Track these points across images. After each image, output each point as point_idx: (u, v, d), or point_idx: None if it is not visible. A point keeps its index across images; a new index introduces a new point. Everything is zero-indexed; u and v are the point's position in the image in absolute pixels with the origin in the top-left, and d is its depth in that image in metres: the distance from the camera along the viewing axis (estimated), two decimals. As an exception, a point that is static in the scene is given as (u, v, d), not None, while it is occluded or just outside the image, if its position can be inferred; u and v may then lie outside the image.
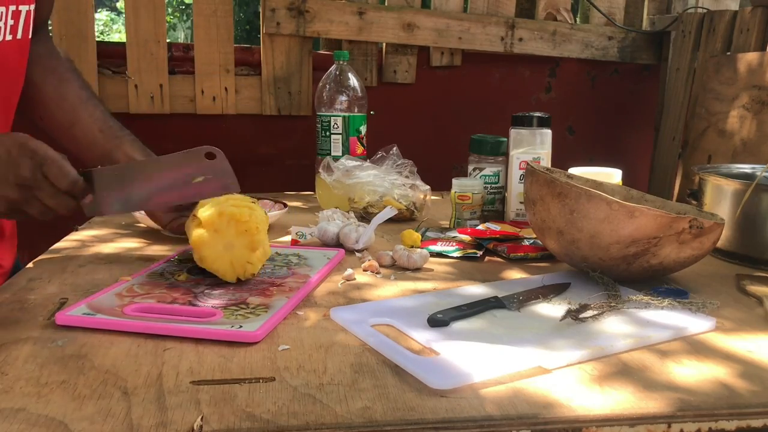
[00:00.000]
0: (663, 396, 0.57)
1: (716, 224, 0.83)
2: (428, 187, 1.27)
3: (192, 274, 0.86)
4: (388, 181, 1.24)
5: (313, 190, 1.42)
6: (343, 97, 1.47)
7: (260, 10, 1.77)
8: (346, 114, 1.47)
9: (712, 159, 1.62)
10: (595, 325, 0.72)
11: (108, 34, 11.52)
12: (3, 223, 1.04)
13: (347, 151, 1.47)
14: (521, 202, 1.18)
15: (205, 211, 0.83)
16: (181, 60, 1.76)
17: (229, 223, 0.82)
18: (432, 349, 0.65)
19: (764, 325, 0.75)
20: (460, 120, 1.95)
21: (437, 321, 0.71)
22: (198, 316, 0.71)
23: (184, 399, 0.55)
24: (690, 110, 1.81)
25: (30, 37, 0.96)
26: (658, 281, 0.88)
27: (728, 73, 1.63)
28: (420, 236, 1.05)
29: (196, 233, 0.82)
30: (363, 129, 1.50)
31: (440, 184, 1.40)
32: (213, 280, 0.83)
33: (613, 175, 1.15)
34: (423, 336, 0.68)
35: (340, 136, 1.47)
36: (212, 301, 0.76)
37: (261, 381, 0.59)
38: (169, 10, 11.10)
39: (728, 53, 1.71)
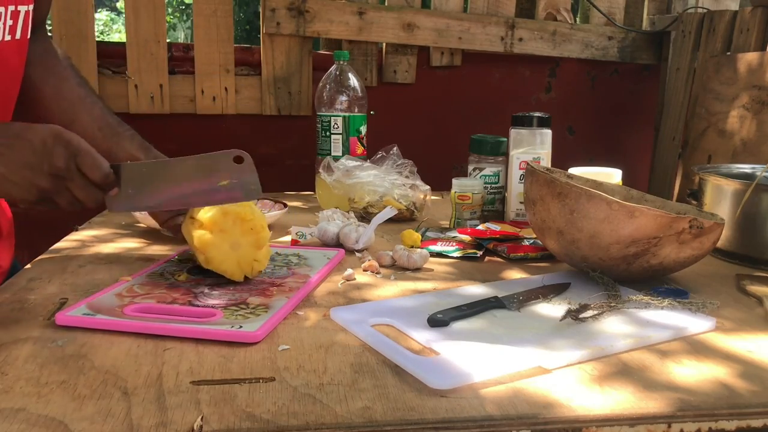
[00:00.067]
0: (663, 396, 0.57)
1: (716, 224, 0.83)
2: (428, 187, 1.27)
3: (192, 274, 0.86)
4: (388, 181, 1.24)
5: (313, 190, 1.42)
6: (343, 97, 1.48)
7: (260, 10, 1.77)
8: (346, 114, 1.47)
9: (712, 159, 1.62)
10: (595, 325, 0.72)
11: (108, 34, 11.52)
12: (0, 222, 1.04)
13: (347, 151, 1.47)
14: (521, 202, 1.18)
15: (206, 212, 0.83)
16: (181, 60, 1.76)
17: (235, 223, 0.82)
18: (432, 349, 0.65)
19: (764, 325, 0.75)
20: (460, 120, 1.95)
21: (437, 321, 0.71)
22: (198, 316, 0.71)
23: (184, 399, 0.55)
24: (690, 110, 1.81)
25: (28, 37, 0.96)
26: (658, 281, 0.88)
27: (728, 73, 1.63)
28: (420, 236, 1.05)
29: (199, 235, 0.81)
30: (363, 129, 1.50)
31: (440, 184, 1.40)
32: (213, 280, 0.84)
33: (613, 175, 1.15)
34: (423, 336, 0.68)
35: (340, 136, 1.47)
36: (212, 301, 0.76)
37: (261, 381, 0.59)
38: (169, 10, 11.10)
39: (728, 53, 1.71)
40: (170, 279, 0.85)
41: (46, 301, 0.78)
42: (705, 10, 1.85)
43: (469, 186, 1.20)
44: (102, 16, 11.68)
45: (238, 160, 0.82)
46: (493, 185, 1.26)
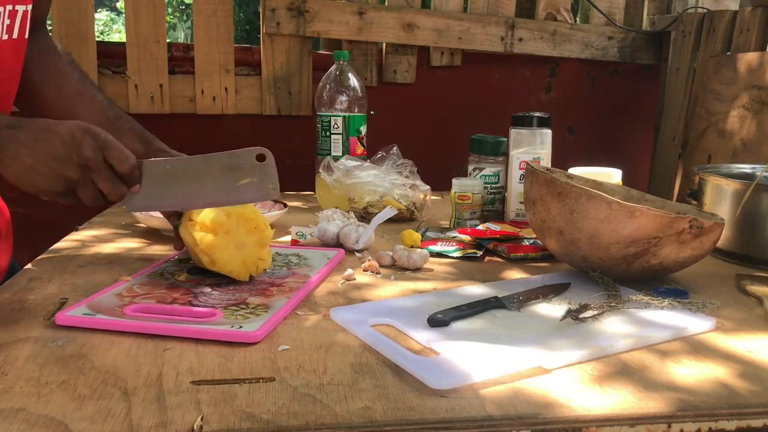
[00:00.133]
0: (663, 396, 0.57)
1: (716, 224, 0.83)
2: (428, 187, 1.27)
3: (192, 274, 0.86)
4: (388, 181, 1.24)
5: (313, 190, 1.42)
6: (343, 97, 1.48)
7: (260, 10, 1.77)
8: (346, 114, 1.47)
9: (712, 159, 1.62)
10: (595, 325, 0.72)
11: (108, 34, 11.52)
12: None
13: (347, 151, 1.47)
14: (521, 202, 1.18)
15: (207, 214, 0.82)
16: (181, 60, 1.76)
17: (239, 223, 0.82)
18: (432, 349, 0.65)
19: (764, 325, 0.75)
20: (460, 120, 1.95)
21: (437, 321, 0.71)
22: (198, 316, 0.71)
23: (184, 399, 0.55)
24: (690, 110, 1.81)
25: (27, 36, 0.96)
26: (658, 281, 0.88)
27: (728, 73, 1.63)
28: (420, 236, 1.05)
29: (203, 237, 0.81)
30: (363, 129, 1.50)
31: (440, 184, 1.40)
32: (213, 280, 0.84)
33: (613, 175, 1.15)
34: (423, 336, 0.68)
35: (340, 136, 1.47)
36: (212, 301, 0.76)
37: (261, 381, 0.59)
38: (169, 10, 11.10)
39: (728, 53, 1.71)
40: (170, 279, 0.85)
41: (46, 301, 0.78)
42: (705, 10, 1.85)
43: (469, 186, 1.20)
44: (102, 16, 11.68)
45: (261, 158, 0.82)
46: (493, 185, 1.26)
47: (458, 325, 0.71)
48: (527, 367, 0.61)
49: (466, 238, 1.08)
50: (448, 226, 1.21)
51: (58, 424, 0.51)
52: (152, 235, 1.11)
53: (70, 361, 0.62)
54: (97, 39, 1.70)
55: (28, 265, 0.93)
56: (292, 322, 0.73)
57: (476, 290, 0.83)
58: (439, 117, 1.95)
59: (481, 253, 1.02)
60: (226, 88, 1.77)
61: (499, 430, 0.52)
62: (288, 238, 1.09)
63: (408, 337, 0.69)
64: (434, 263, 0.98)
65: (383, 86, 1.88)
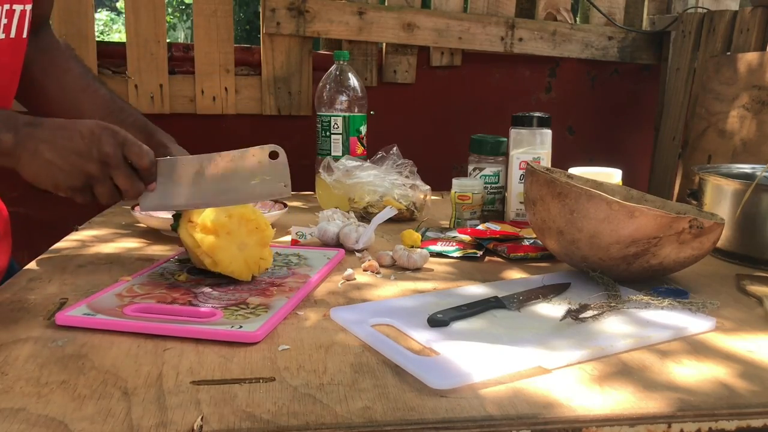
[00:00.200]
0: (663, 396, 0.57)
1: (716, 224, 0.83)
2: (428, 187, 1.27)
3: (192, 274, 0.86)
4: (388, 181, 1.24)
5: (313, 190, 1.42)
6: (343, 97, 1.47)
7: (260, 10, 1.77)
8: (346, 114, 1.47)
9: (712, 159, 1.62)
10: (595, 325, 0.72)
11: (108, 34, 11.52)
12: None
13: (347, 151, 1.47)
14: (521, 202, 1.18)
15: (208, 215, 0.82)
16: (181, 60, 1.76)
17: (240, 223, 0.82)
18: (432, 349, 0.65)
19: (764, 325, 0.75)
20: (460, 120, 1.95)
21: (437, 321, 0.71)
22: (198, 316, 0.71)
23: (184, 399, 0.55)
24: (690, 110, 1.81)
25: (26, 36, 0.96)
26: (658, 281, 0.88)
27: (728, 73, 1.63)
28: (420, 236, 1.05)
29: (204, 239, 0.81)
30: (363, 129, 1.50)
31: (440, 184, 1.40)
32: (213, 280, 0.84)
33: (613, 175, 1.15)
34: (423, 336, 0.68)
35: (340, 136, 1.47)
36: (212, 301, 0.76)
37: (261, 381, 0.59)
38: (169, 10, 11.10)
39: (728, 53, 1.71)
40: (170, 279, 0.85)
41: (46, 301, 0.78)
42: (705, 10, 1.85)
43: (469, 186, 1.20)
44: (102, 16, 11.68)
45: (274, 155, 0.83)
46: (493, 185, 1.26)
47: (458, 325, 0.71)
48: (527, 367, 0.61)
49: (466, 238, 1.08)
50: (448, 226, 1.21)
51: (58, 424, 0.51)
52: (152, 235, 1.11)
53: (70, 361, 0.62)
54: (97, 39, 1.70)
55: (28, 265, 0.93)
56: (292, 322, 0.73)
57: (476, 290, 0.83)
58: (439, 117, 1.95)
59: (481, 253, 1.02)
60: (226, 88, 1.77)
61: (499, 430, 0.52)
62: (288, 238, 1.09)
63: (408, 337, 0.69)
64: (434, 263, 0.98)
65: (383, 86, 1.88)
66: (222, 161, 0.84)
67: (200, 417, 0.52)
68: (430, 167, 1.41)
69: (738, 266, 0.98)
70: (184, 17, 11.55)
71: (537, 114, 1.19)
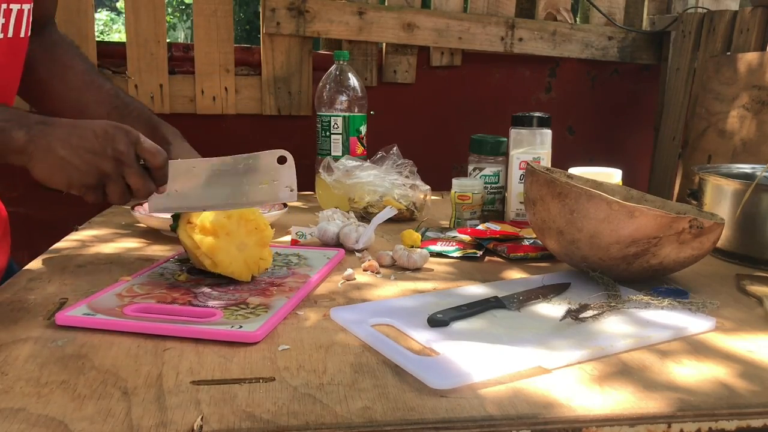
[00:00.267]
0: (663, 396, 0.57)
1: (716, 224, 0.83)
2: (428, 187, 1.27)
3: (192, 274, 0.86)
4: (388, 181, 1.24)
5: (313, 190, 1.42)
6: (343, 97, 1.47)
7: (260, 10, 1.77)
8: (346, 114, 1.47)
9: (712, 159, 1.62)
10: (595, 325, 0.72)
11: (108, 34, 11.52)
12: None
13: (347, 151, 1.47)
14: (521, 202, 1.18)
15: (207, 216, 0.82)
16: (181, 60, 1.76)
17: (239, 223, 0.82)
18: (432, 349, 0.65)
19: (764, 325, 0.75)
20: (460, 120, 1.95)
21: (437, 321, 0.71)
22: (198, 316, 0.71)
23: (184, 399, 0.55)
24: (690, 110, 1.81)
25: (24, 35, 0.95)
26: (658, 281, 0.88)
27: (728, 73, 1.63)
28: (420, 236, 1.05)
29: (204, 240, 0.81)
30: (363, 129, 1.50)
31: (440, 184, 1.40)
32: (213, 280, 0.84)
33: (613, 175, 1.15)
34: (423, 336, 0.68)
35: (340, 136, 1.47)
36: (212, 301, 0.76)
37: (261, 381, 0.59)
38: (169, 10, 11.10)
39: (728, 53, 1.71)
40: (170, 279, 0.85)
41: (46, 301, 0.78)
42: (705, 10, 1.85)
43: (469, 186, 1.20)
44: (102, 16, 11.68)
45: (282, 160, 0.83)
46: (493, 185, 1.26)
47: (458, 325, 0.71)
48: (527, 367, 0.61)
49: (466, 238, 1.08)
50: (448, 226, 1.21)
51: (58, 424, 0.51)
52: (152, 235, 1.11)
53: (70, 361, 0.62)
54: (97, 39, 1.70)
55: (28, 265, 0.93)
56: (292, 322, 0.73)
57: (476, 290, 0.83)
58: (439, 117, 1.95)
59: (481, 253, 1.02)
60: (226, 88, 1.77)
61: (499, 430, 0.52)
62: (288, 238, 1.09)
63: (408, 337, 0.69)
64: (434, 263, 0.98)
65: (383, 86, 1.88)
66: (232, 165, 0.84)
67: (200, 417, 0.52)
68: (430, 167, 1.41)
69: (738, 266, 0.98)
70: (184, 17, 11.55)
71: (537, 114, 1.19)
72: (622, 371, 0.62)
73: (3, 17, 0.89)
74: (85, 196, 0.81)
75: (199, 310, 0.73)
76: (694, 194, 1.08)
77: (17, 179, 1.67)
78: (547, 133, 1.19)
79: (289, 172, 0.84)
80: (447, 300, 0.78)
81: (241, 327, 0.68)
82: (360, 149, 1.49)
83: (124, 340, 0.67)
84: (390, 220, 1.07)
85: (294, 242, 1.07)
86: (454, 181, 1.21)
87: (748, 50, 1.65)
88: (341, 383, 0.59)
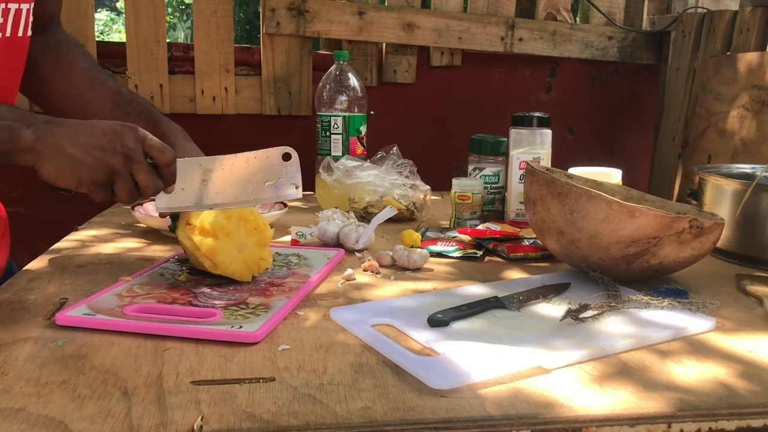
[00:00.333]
0: (663, 396, 0.57)
1: (716, 224, 0.83)
2: (428, 187, 1.27)
3: (192, 274, 0.86)
4: (388, 181, 1.24)
5: (313, 190, 1.42)
6: (343, 97, 1.47)
7: (260, 10, 1.77)
8: (346, 114, 1.47)
9: (712, 159, 1.62)
10: (595, 325, 0.72)
11: (108, 34, 11.52)
12: None
13: (347, 151, 1.47)
14: (521, 202, 1.18)
15: (207, 217, 0.82)
16: (181, 60, 1.76)
17: (239, 224, 0.82)
18: (432, 349, 0.65)
19: (764, 325, 0.75)
20: (460, 120, 1.95)
21: (437, 321, 0.71)
22: (198, 316, 0.71)
23: (184, 399, 0.55)
24: (690, 110, 1.81)
25: (22, 35, 0.95)
26: (658, 281, 0.88)
27: (728, 73, 1.63)
28: (420, 236, 1.05)
29: (203, 242, 0.81)
30: (363, 129, 1.50)
31: (440, 184, 1.40)
32: (213, 280, 0.83)
33: (613, 175, 1.15)
34: (423, 336, 0.68)
35: (340, 136, 1.47)
36: (212, 301, 0.76)
37: (261, 381, 0.59)
38: (169, 10, 11.10)
39: (728, 53, 1.71)
40: (170, 279, 0.85)
41: (46, 301, 0.78)
42: (705, 10, 1.85)
43: (469, 186, 1.20)
44: (102, 16, 11.68)
45: (286, 157, 0.83)
46: (493, 185, 1.26)
47: (458, 325, 0.71)
48: (527, 367, 0.61)
49: (466, 238, 1.08)
50: (448, 226, 1.21)
51: (58, 424, 0.51)
52: (152, 235, 1.11)
53: (70, 361, 0.62)
54: (97, 39, 1.70)
55: (28, 265, 0.93)
56: (292, 322, 0.73)
57: (476, 290, 0.83)
58: (439, 117, 1.95)
59: (481, 253, 1.02)
60: (226, 88, 1.77)
61: (499, 430, 0.52)
62: (288, 238, 1.09)
63: (408, 337, 0.69)
64: (434, 263, 0.98)
65: (383, 86, 1.88)
66: (238, 162, 0.84)
67: (200, 417, 0.52)
68: (430, 167, 1.41)
69: (738, 266, 0.98)
70: (184, 17, 11.55)
71: (537, 114, 1.19)
72: (622, 371, 0.62)
73: (1, 17, 0.89)
74: (94, 195, 0.80)
75: (199, 310, 0.73)
76: (694, 194, 1.08)
77: (17, 179, 1.67)
78: (547, 133, 1.19)
79: (294, 169, 0.84)
80: (447, 300, 0.78)
81: (241, 327, 0.68)
82: (360, 149, 1.49)
83: (124, 340, 0.67)
84: (390, 220, 1.07)
85: (294, 242, 1.07)
86: (454, 181, 1.21)
87: (748, 50, 1.65)
88: (341, 383, 0.59)
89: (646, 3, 2.05)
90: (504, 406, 0.55)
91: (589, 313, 0.73)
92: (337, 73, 1.49)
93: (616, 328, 0.71)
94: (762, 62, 1.54)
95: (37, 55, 1.02)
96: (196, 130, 1.82)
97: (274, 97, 1.80)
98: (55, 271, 0.90)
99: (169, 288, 0.81)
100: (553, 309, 0.77)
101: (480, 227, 1.11)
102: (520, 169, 1.18)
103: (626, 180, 1.16)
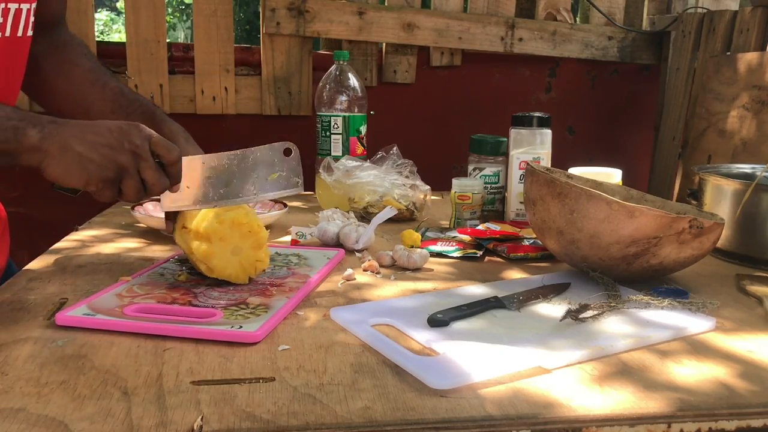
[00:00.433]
0: (663, 396, 0.57)
1: (716, 224, 0.83)
2: (428, 187, 1.27)
3: (192, 274, 0.86)
4: (388, 181, 1.24)
5: (313, 190, 1.42)
6: (343, 97, 1.47)
7: (260, 10, 1.77)
8: (346, 114, 1.47)
9: (712, 159, 1.62)
10: (595, 325, 0.72)
11: (108, 34, 11.52)
12: None
13: (347, 151, 1.47)
14: (521, 202, 1.18)
15: (200, 221, 0.82)
16: (181, 60, 1.76)
17: (232, 228, 0.82)
18: (432, 349, 0.65)
19: (764, 325, 0.75)
20: (460, 120, 1.95)
21: (437, 321, 0.71)
22: (198, 316, 0.71)
23: (184, 399, 0.55)
24: (690, 110, 1.81)
25: (22, 35, 0.95)
26: (658, 281, 0.88)
27: (728, 73, 1.63)
28: (420, 236, 1.05)
29: (198, 246, 0.81)
30: (363, 129, 1.49)
31: (440, 184, 1.40)
32: (213, 281, 0.83)
33: (613, 175, 1.15)
34: (423, 336, 0.68)
35: (340, 136, 1.47)
36: (212, 301, 0.76)
37: (261, 381, 0.59)
38: (169, 10, 11.10)
39: (728, 53, 1.71)
40: (170, 279, 0.85)
41: (46, 301, 0.78)
42: (705, 10, 1.85)
43: (469, 186, 1.20)
44: (102, 16, 11.68)
45: (287, 152, 0.84)
46: (493, 185, 1.26)
47: (458, 325, 0.71)
48: (527, 367, 0.61)
49: (466, 238, 1.08)
50: (448, 226, 1.21)
51: (58, 424, 0.51)
52: (152, 235, 1.11)
53: (70, 361, 0.62)
54: (97, 39, 1.70)
55: (28, 265, 0.93)
56: (292, 322, 0.73)
57: (476, 290, 0.83)
58: (439, 117, 1.95)
59: (481, 253, 1.02)
60: (226, 88, 1.77)
61: (499, 430, 0.52)
62: (288, 238, 1.09)
63: (408, 337, 0.69)
64: (434, 263, 0.98)
65: (383, 86, 1.88)
66: (243, 159, 0.84)
67: (200, 417, 0.52)
68: (430, 167, 1.41)
69: (738, 266, 0.98)
70: (184, 17, 11.55)
71: (537, 114, 1.19)
72: (622, 371, 0.62)
73: (1, 17, 0.89)
74: (100, 194, 0.80)
75: (199, 310, 0.73)
76: (694, 194, 1.08)
77: (17, 179, 1.67)
78: (547, 133, 1.19)
79: (295, 164, 0.85)
80: (447, 300, 0.78)
81: (241, 327, 0.68)
82: (360, 149, 1.49)
83: (124, 340, 0.67)
84: (390, 220, 1.07)
85: (294, 242, 1.07)
86: (454, 181, 1.21)
87: (748, 50, 1.65)
88: (341, 383, 0.59)
89: (646, 3, 2.05)
90: (504, 406, 0.55)
91: (589, 313, 0.73)
92: (337, 73, 1.49)
93: (616, 328, 0.71)
94: (762, 62, 1.54)
95: (40, 55, 1.02)
96: (196, 130, 1.82)
97: (274, 97, 1.80)
98: (55, 271, 0.90)
99: (169, 288, 0.81)
100: (553, 309, 0.77)
101: (480, 227, 1.11)
102: (520, 169, 1.18)
103: (626, 180, 1.16)
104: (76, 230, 1.15)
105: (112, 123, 0.80)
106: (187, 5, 11.24)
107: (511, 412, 0.54)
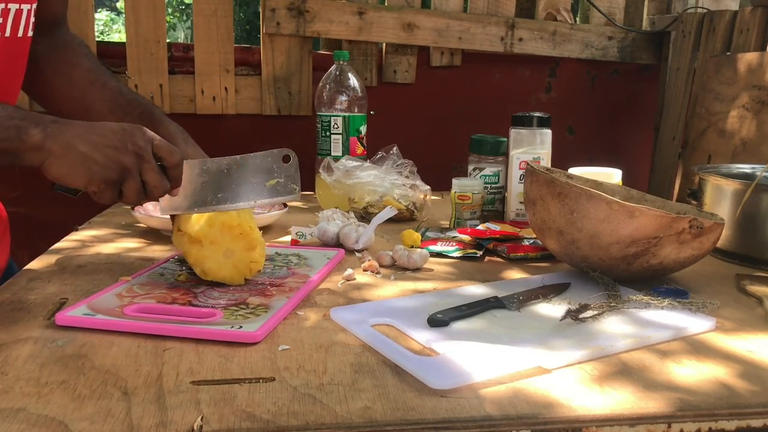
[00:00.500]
0: (663, 396, 0.57)
1: (716, 224, 0.83)
2: (428, 187, 1.27)
3: (192, 275, 0.86)
4: (388, 181, 1.24)
5: (313, 190, 1.42)
6: (343, 97, 1.47)
7: (260, 10, 1.77)
8: (346, 114, 1.47)
9: (712, 159, 1.62)
10: (595, 325, 0.72)
11: (108, 34, 11.52)
12: None
13: (347, 151, 1.47)
14: (521, 202, 1.18)
15: (193, 225, 0.83)
16: (181, 60, 1.76)
17: (222, 231, 0.82)
18: (432, 349, 0.65)
19: (764, 325, 0.75)
20: (460, 120, 1.95)
21: (437, 321, 0.71)
22: (198, 316, 0.71)
23: (184, 399, 0.55)
24: (690, 110, 1.81)
25: (22, 35, 0.95)
26: (658, 281, 0.88)
27: (728, 73, 1.63)
28: (420, 236, 1.05)
29: (191, 250, 0.81)
30: (363, 129, 1.49)
31: (440, 184, 1.40)
32: (212, 281, 0.83)
33: (613, 175, 1.15)
34: (423, 336, 0.68)
35: (340, 136, 1.47)
36: (212, 301, 0.76)
37: (261, 381, 0.59)
38: (169, 10, 11.10)
39: (728, 53, 1.71)
40: (170, 279, 0.85)
41: (46, 301, 0.78)
42: (705, 10, 1.85)
43: (469, 186, 1.20)
44: (102, 16, 11.68)
45: (286, 159, 0.84)
46: (493, 185, 1.26)
47: (458, 325, 0.71)
48: (527, 367, 0.61)
49: (466, 238, 1.08)
50: (448, 226, 1.21)
51: (58, 424, 0.51)
52: (152, 235, 1.11)
53: (70, 361, 0.62)
54: (97, 39, 1.70)
55: (28, 265, 0.93)
56: (292, 322, 0.73)
57: (476, 290, 0.83)
58: (439, 117, 1.95)
59: (481, 253, 1.02)
60: (226, 88, 1.77)
61: (499, 430, 0.52)
62: (288, 238, 1.09)
63: (408, 337, 0.69)
64: (434, 263, 0.98)
65: (383, 86, 1.88)
66: (242, 164, 0.84)
67: (200, 417, 0.52)
68: (430, 167, 1.41)
69: (738, 266, 0.98)
70: (184, 17, 11.55)
71: (537, 114, 1.19)
72: (622, 371, 0.62)
73: (1, 17, 0.89)
74: (101, 195, 0.80)
75: (199, 310, 0.73)
76: (694, 194, 1.08)
77: (17, 179, 1.67)
78: (547, 133, 1.19)
79: (294, 171, 0.85)
80: (447, 300, 0.78)
81: (241, 327, 0.68)
82: (360, 149, 1.49)
83: (124, 340, 0.67)
84: (390, 220, 1.07)
85: (294, 242, 1.07)
86: (454, 181, 1.21)
87: (748, 50, 1.65)
88: (341, 383, 0.59)
89: (646, 3, 2.05)
90: (504, 406, 0.55)
91: (589, 313, 0.73)
92: (337, 73, 1.49)
93: (616, 328, 0.71)
94: (762, 62, 1.54)
95: (41, 55, 1.02)
96: (196, 130, 1.81)
97: (274, 97, 1.80)
98: (55, 271, 0.90)
99: (169, 288, 0.81)
100: (553, 309, 0.77)
101: (480, 227, 1.11)
102: (520, 169, 1.18)
103: (626, 180, 1.16)
104: (76, 230, 1.15)
105: (115, 124, 0.80)
106: (187, 5, 11.24)
107: (511, 412, 0.54)
